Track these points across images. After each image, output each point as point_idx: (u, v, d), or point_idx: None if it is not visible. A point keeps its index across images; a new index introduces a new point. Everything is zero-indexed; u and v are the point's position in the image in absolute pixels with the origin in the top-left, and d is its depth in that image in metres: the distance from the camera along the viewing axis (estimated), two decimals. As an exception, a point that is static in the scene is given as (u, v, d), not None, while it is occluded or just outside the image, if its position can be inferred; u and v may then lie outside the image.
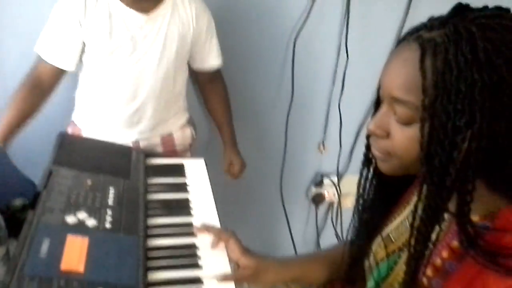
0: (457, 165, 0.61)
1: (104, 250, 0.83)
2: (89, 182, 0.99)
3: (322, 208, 1.98)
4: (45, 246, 0.78)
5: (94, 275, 0.76)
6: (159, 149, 1.35)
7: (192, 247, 0.91)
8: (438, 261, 0.72)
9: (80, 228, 0.85)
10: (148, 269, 0.84)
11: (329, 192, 1.90)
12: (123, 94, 1.26)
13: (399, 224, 0.84)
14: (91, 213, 0.90)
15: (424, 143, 0.62)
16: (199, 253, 0.90)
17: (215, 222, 1.00)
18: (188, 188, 1.10)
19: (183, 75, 1.34)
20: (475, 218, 0.66)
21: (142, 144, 1.32)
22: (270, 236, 2.03)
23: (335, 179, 1.88)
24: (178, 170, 1.17)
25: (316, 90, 1.74)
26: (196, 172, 1.17)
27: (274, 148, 1.77)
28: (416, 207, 0.67)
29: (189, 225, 0.97)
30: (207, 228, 0.95)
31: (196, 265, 0.87)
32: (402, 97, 0.64)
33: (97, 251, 0.82)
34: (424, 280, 0.71)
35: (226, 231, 0.94)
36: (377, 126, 0.70)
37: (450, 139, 0.60)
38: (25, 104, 1.25)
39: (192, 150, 1.46)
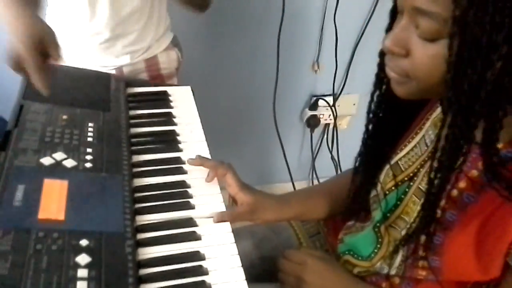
0: (488, 88, 0.53)
1: (85, 193, 0.75)
2: (64, 117, 0.89)
3: (317, 131, 1.91)
4: (19, 193, 0.70)
5: (76, 223, 0.69)
6: (144, 75, 1.23)
7: (183, 185, 0.84)
8: (454, 192, 0.66)
9: (57, 170, 0.77)
10: (135, 212, 0.77)
11: (324, 114, 1.81)
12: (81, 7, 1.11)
13: (409, 151, 0.77)
14: (68, 153, 0.81)
15: (452, 62, 0.53)
16: (190, 191, 0.83)
17: (206, 155, 0.92)
18: (175, 119, 1.01)
19: None
20: (499, 145, 0.59)
21: (125, 70, 1.20)
22: (264, 163, 1.97)
23: (330, 100, 1.79)
24: (163, 99, 1.07)
25: (309, 1, 1.59)
26: (183, 101, 1.07)
27: (265, 69, 1.65)
28: (438, 136, 0.60)
29: (178, 160, 0.89)
30: (201, 162, 0.87)
31: (188, 205, 0.80)
32: (427, 7, 0.53)
33: (78, 195, 0.74)
34: (438, 212, 0.66)
35: (222, 164, 0.86)
36: (395, 42, 0.59)
37: (483, 57, 0.51)
38: None
39: (179, 76, 1.35)
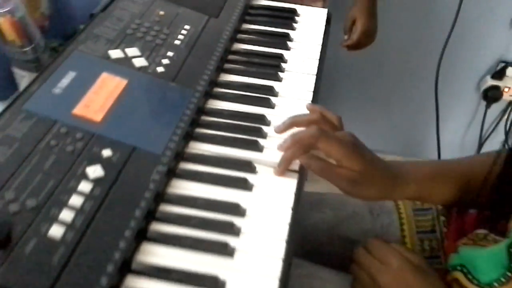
0: None
1: (141, 100, 0.63)
2: (161, 12, 0.77)
3: (496, 107, 1.49)
4: (65, 81, 0.61)
5: (112, 129, 0.57)
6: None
7: (261, 120, 0.66)
8: None
9: (122, 66, 0.65)
10: (190, 137, 0.62)
11: (510, 87, 1.40)
12: None
13: None
14: (144, 51, 0.69)
15: None
16: (266, 130, 0.65)
17: (309, 92, 0.72)
18: (290, 43, 0.81)
19: None
20: None
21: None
22: (414, 134, 1.65)
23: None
24: (287, 18, 0.88)
25: None
26: (310, 24, 0.87)
27: (442, 12, 1.30)
28: None
29: (271, 91, 0.71)
30: (311, 108, 0.66)
31: (255, 146, 0.62)
32: None
33: (131, 99, 0.62)
34: None
35: (333, 115, 0.65)
36: None
37: None
38: None
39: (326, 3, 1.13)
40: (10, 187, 0.48)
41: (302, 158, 0.57)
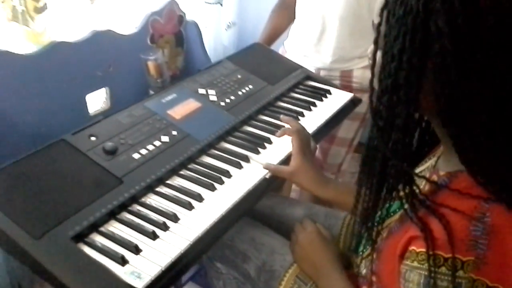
0: None
1: (205, 114, 1.13)
2: (239, 76, 1.29)
3: None
4: (170, 97, 1.14)
5: (183, 126, 1.07)
6: (337, 82, 1.47)
7: (266, 140, 1.10)
8: None
9: (202, 97, 1.17)
10: (221, 139, 1.09)
11: None
12: (311, 17, 1.45)
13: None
14: (218, 93, 1.20)
15: None
16: (267, 145, 1.08)
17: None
18: (312, 107, 1.25)
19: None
20: (441, 172, 0.65)
21: (322, 73, 1.50)
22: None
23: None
24: (321, 94, 1.32)
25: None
26: (334, 101, 1.30)
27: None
28: None
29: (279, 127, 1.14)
30: (288, 120, 1.09)
31: (256, 150, 1.06)
32: None
33: (199, 114, 1.12)
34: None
35: (297, 128, 1.04)
36: None
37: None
38: (277, 21, 1.62)
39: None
40: (124, 134, 1.00)
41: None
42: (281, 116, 1.12)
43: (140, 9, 1.38)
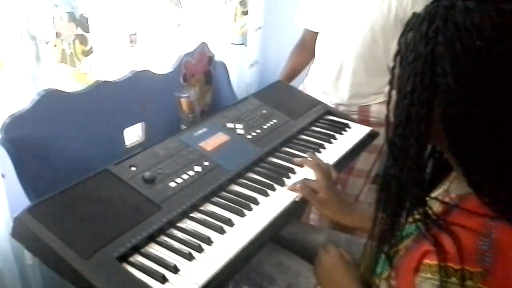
0: None
1: (232, 147, 1.22)
2: (263, 111, 1.39)
3: None
4: (201, 131, 1.24)
5: (214, 157, 1.16)
6: (355, 117, 1.56)
7: (290, 170, 1.18)
8: None
9: (230, 131, 1.27)
10: (248, 169, 1.17)
11: None
12: (329, 56, 1.55)
13: None
14: (245, 127, 1.29)
15: None
16: (291, 175, 1.17)
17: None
18: (332, 139, 1.34)
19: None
20: (452, 195, 0.72)
21: (341, 109, 1.59)
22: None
23: None
24: (340, 127, 1.41)
25: None
26: (353, 135, 1.38)
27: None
28: None
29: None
30: (303, 161, 1.17)
31: (281, 180, 1.14)
32: None
33: (228, 146, 1.22)
34: None
35: (319, 164, 1.13)
36: None
37: None
38: (296, 60, 1.74)
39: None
40: (161, 164, 1.10)
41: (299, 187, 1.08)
42: (295, 159, 1.20)
43: (175, 51, 1.50)
